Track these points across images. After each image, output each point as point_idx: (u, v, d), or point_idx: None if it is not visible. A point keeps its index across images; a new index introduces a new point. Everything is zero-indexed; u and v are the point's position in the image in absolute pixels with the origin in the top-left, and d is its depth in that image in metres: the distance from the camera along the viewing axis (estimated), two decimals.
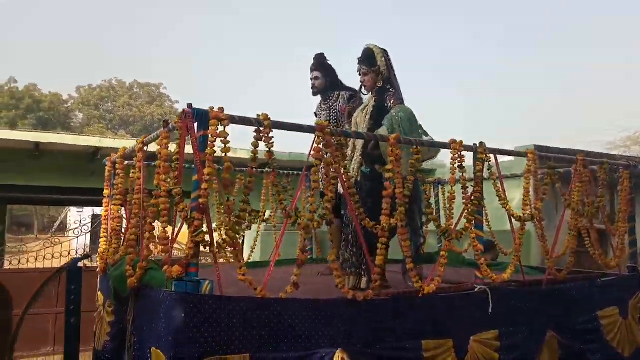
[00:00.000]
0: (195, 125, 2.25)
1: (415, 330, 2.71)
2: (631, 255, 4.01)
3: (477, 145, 3.11)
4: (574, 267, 3.67)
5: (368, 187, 3.28)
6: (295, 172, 5.50)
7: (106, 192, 3.76)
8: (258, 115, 2.38)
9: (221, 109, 2.25)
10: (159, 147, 2.49)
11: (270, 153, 2.36)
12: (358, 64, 3.54)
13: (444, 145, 3.03)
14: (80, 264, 3.43)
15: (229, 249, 2.25)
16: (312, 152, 2.49)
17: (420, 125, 3.45)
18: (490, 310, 3.00)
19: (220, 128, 2.22)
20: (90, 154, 7.44)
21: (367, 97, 3.66)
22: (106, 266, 3.39)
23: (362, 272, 3.24)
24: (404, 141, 2.82)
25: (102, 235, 3.67)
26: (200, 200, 2.14)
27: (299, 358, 2.29)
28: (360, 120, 3.55)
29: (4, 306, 5.99)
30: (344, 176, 2.59)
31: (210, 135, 2.20)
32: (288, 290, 2.39)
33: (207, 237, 2.14)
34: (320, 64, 4.36)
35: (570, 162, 3.69)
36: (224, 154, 2.24)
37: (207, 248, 2.14)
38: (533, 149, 3.50)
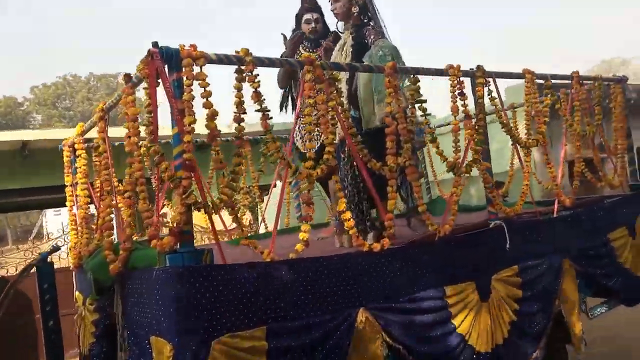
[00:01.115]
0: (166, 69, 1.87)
1: (436, 277, 2.48)
2: (631, 172, 3.90)
3: (475, 69, 2.85)
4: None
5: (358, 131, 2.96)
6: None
7: (67, 179, 3.33)
8: (236, 52, 2.03)
9: (193, 47, 1.88)
10: (124, 106, 2.11)
11: (257, 94, 2.02)
12: None
13: (440, 72, 2.74)
14: (50, 259, 3.01)
15: (227, 210, 1.91)
16: (303, 91, 2.16)
17: (404, 63, 3.13)
18: (507, 246, 2.81)
19: (196, 69, 1.86)
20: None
21: (343, 36, 3.27)
22: (80, 260, 2.99)
23: (367, 228, 2.95)
24: (400, 70, 2.52)
25: (70, 227, 3.26)
26: (185, 156, 1.79)
27: (320, 324, 2.01)
28: (339, 61, 3.17)
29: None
30: (342, 115, 2.28)
31: (185, 78, 1.84)
32: (298, 249, 2.09)
33: (199, 199, 1.81)
34: (316, 2, 3.73)
35: (562, 86, 3.50)
36: (204, 99, 1.88)
37: (201, 211, 1.80)
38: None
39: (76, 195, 3.08)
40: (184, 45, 1.88)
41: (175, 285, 1.74)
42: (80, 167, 2.94)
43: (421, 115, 2.60)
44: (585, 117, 3.53)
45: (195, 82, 1.86)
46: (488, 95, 2.91)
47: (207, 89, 1.88)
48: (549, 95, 3.22)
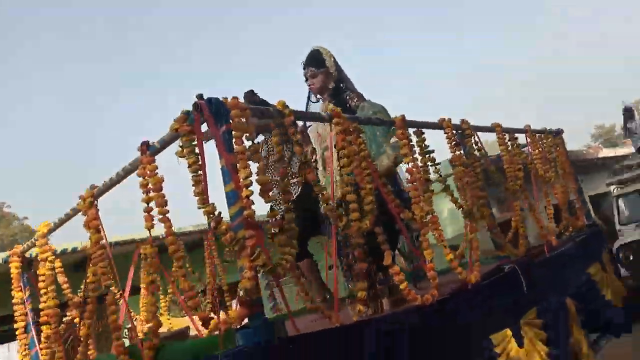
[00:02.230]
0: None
1: (481, 328, 2.37)
2: (586, 213, 4.23)
3: (460, 122, 3.00)
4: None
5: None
6: None
7: (18, 295, 2.82)
8: (273, 106, 1.93)
9: (236, 99, 1.75)
10: (142, 177, 1.86)
11: (299, 146, 1.89)
12: (304, 68, 3.11)
13: (435, 125, 2.84)
14: None
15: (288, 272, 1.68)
16: (335, 142, 2.08)
17: None
18: (525, 289, 2.81)
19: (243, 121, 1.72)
20: None
21: (318, 105, 3.20)
22: None
23: (378, 292, 2.77)
24: (408, 124, 2.55)
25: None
26: (246, 213, 1.58)
27: None
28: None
29: None
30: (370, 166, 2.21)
31: (233, 131, 1.68)
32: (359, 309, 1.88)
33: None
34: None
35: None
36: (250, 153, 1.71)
37: (272, 271, 1.56)
38: None
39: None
40: (227, 98, 1.74)
41: None
42: (46, 274, 2.50)
43: (430, 165, 2.63)
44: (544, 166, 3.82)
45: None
46: (475, 146, 3.05)
47: (255, 142, 1.73)
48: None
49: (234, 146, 1.66)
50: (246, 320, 1.55)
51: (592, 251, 3.87)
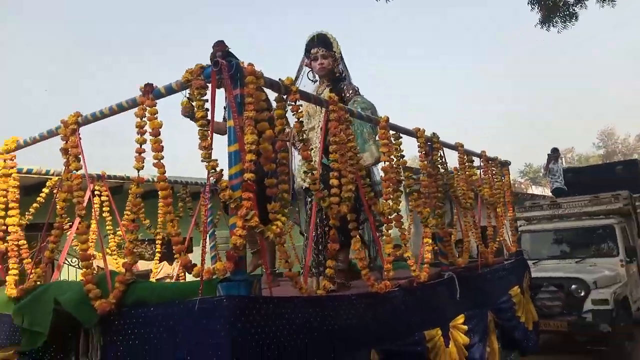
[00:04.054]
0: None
1: (420, 321, 2.59)
2: (517, 240, 4.63)
3: (432, 135, 3.22)
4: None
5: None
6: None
7: None
8: (280, 80, 2.01)
9: (252, 65, 1.82)
10: (140, 118, 1.89)
11: (300, 124, 2.00)
12: (313, 47, 3.12)
13: (411, 133, 3.03)
14: None
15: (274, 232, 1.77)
16: (328, 128, 2.20)
17: None
18: (458, 296, 3.07)
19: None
20: None
21: (314, 86, 3.23)
22: None
23: (321, 273, 2.82)
24: (390, 126, 2.72)
25: None
26: (246, 176, 1.66)
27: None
28: (313, 111, 3.08)
29: None
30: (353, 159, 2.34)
31: (246, 96, 1.75)
32: (325, 285, 2.02)
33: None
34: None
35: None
36: (260, 121, 1.79)
37: (262, 233, 1.66)
38: None
39: None
40: (243, 62, 1.80)
41: (232, 319, 1.53)
42: (11, 189, 2.42)
43: (402, 168, 2.81)
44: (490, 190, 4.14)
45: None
46: (440, 159, 3.28)
47: (265, 112, 1.81)
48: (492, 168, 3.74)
49: (244, 111, 1.74)
50: (228, 273, 1.63)
51: (516, 275, 4.25)
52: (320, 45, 3.10)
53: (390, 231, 2.50)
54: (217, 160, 1.68)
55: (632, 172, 10.28)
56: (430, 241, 2.88)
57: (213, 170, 1.67)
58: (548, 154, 10.03)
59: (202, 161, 1.68)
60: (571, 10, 5.64)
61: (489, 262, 3.76)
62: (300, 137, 2.01)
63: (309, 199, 2.92)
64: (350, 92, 3.11)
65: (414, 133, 3.03)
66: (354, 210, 2.34)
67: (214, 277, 1.63)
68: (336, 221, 2.09)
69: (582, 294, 5.66)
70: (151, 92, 1.91)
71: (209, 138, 1.69)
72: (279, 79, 2.01)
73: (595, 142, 49.45)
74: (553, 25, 5.72)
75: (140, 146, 1.90)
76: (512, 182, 4.75)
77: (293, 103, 1.98)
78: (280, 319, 1.65)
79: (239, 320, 1.54)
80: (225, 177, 1.73)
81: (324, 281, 2.06)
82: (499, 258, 4.22)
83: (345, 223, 2.24)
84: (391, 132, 2.79)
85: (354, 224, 2.25)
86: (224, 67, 1.70)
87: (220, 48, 1.75)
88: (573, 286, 5.72)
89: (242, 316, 1.55)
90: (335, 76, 3.18)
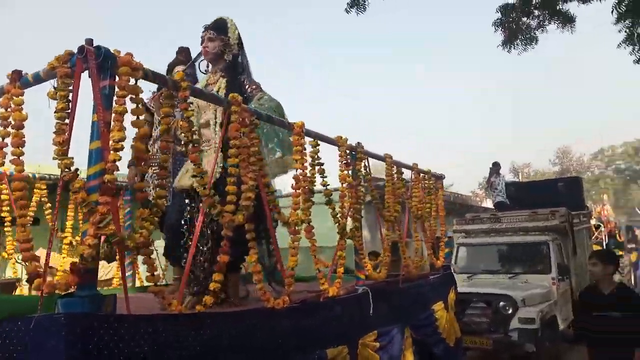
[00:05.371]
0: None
1: (322, 338, 2.46)
2: (446, 255, 4.59)
3: (356, 144, 3.11)
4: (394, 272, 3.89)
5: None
6: None
7: None
8: (171, 76, 1.83)
9: (130, 55, 1.63)
10: (4, 108, 1.67)
11: (189, 123, 1.82)
12: (204, 30, 2.84)
13: (332, 141, 2.91)
14: None
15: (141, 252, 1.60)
16: (229, 130, 2.04)
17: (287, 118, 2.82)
18: (371, 312, 2.97)
19: (132, 81, 1.61)
20: None
21: (209, 77, 2.89)
22: None
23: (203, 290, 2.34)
24: (306, 133, 2.58)
25: None
26: (107, 177, 1.48)
27: None
28: (204, 104, 2.66)
29: None
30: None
31: (117, 88, 1.57)
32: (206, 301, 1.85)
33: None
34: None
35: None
36: (135, 117, 1.61)
37: (120, 243, 1.47)
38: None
39: None
40: (120, 52, 1.62)
41: (70, 339, 1.34)
42: None
43: (320, 177, 2.68)
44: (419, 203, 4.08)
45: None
46: (364, 169, 3.18)
47: (140, 106, 1.63)
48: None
49: (115, 105, 1.56)
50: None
51: (440, 290, 4.21)
52: (211, 28, 2.82)
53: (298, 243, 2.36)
54: (72, 158, 1.49)
55: (574, 189, 10.50)
56: (343, 254, 2.76)
57: (67, 170, 1.48)
58: (490, 168, 10.16)
59: (54, 158, 1.48)
60: (532, 34, 5.77)
61: (411, 277, 3.69)
62: (189, 138, 1.83)
63: (190, 203, 2.59)
64: (253, 87, 2.82)
65: (334, 141, 2.91)
66: (254, 219, 2.18)
67: (56, 291, 1.43)
68: (229, 231, 1.93)
69: (510, 311, 5.67)
70: (18, 80, 1.69)
71: (66, 133, 1.49)
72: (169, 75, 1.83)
73: (551, 159, 51.26)
74: (514, 47, 5.84)
75: (3, 140, 1.68)
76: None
77: (183, 101, 1.81)
78: (136, 340, 1.48)
79: (80, 340, 1.36)
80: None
81: (206, 297, 1.89)
82: (424, 272, 4.17)
83: (238, 234, 2.07)
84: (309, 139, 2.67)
85: (252, 235, 2.10)
86: (90, 54, 1.51)
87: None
88: (501, 303, 5.73)
89: (83, 336, 1.36)
90: (228, 64, 2.83)
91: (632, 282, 11.58)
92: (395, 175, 3.56)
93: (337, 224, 2.72)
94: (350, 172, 2.94)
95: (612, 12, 4.94)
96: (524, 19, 5.75)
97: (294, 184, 2.42)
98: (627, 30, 5.10)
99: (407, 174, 4.09)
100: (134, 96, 1.61)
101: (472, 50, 73.84)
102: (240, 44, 2.86)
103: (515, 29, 5.81)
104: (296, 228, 2.33)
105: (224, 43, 2.81)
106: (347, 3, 5.20)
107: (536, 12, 5.70)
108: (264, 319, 2.09)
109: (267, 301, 2.09)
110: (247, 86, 2.83)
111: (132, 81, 1.61)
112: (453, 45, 77.07)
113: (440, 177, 4.67)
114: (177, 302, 1.72)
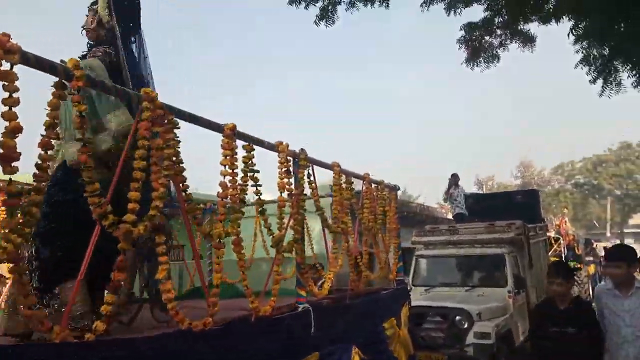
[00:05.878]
0: None
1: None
2: (399, 269, 4.42)
3: (299, 151, 2.91)
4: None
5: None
6: None
7: None
8: (62, 61, 1.58)
9: (6, 36, 1.38)
10: None
11: (82, 118, 1.57)
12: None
13: (271, 147, 2.70)
14: None
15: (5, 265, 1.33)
16: (139, 129, 1.79)
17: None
18: (312, 331, 2.75)
19: (5, 65, 1.36)
20: None
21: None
22: None
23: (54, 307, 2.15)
24: (239, 135, 2.36)
25: None
26: None
27: None
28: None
29: None
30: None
31: None
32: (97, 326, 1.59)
33: None
34: None
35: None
36: (7, 108, 1.36)
37: None
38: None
39: None
40: None
41: None
42: None
43: (252, 185, 2.46)
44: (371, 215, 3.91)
45: None
46: (308, 178, 2.98)
47: (15, 95, 1.38)
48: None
49: None
50: None
51: (392, 306, 4.02)
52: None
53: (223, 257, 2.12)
54: None
55: (531, 202, 10.62)
56: (279, 269, 2.53)
57: None
58: (449, 179, 10.16)
59: None
60: (494, 52, 5.86)
61: (360, 292, 3.49)
62: (81, 136, 1.58)
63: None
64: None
65: (274, 146, 2.70)
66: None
67: None
68: (127, 244, 1.67)
69: (466, 325, 5.55)
70: None
71: None
72: (61, 60, 1.59)
73: (513, 172, 52.47)
74: (477, 65, 5.93)
75: None
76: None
77: (75, 92, 1.56)
78: None
79: None
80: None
81: (96, 322, 1.62)
82: (375, 287, 3.98)
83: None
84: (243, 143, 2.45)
85: (162, 248, 1.85)
86: None
87: None
88: (457, 317, 5.60)
89: None
90: (105, 44, 2.53)
91: (590, 294, 11.76)
92: (343, 185, 3.38)
93: (272, 237, 2.49)
94: (292, 180, 2.73)
95: (568, 35, 5.00)
96: (487, 37, 5.84)
97: (220, 192, 2.19)
98: (584, 52, 5.17)
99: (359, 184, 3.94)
100: (6, 83, 1.35)
101: (440, 67, 75.41)
102: (114, 20, 2.59)
103: (478, 47, 5.88)
104: (220, 241, 2.09)
105: (93, 16, 2.59)
106: (316, 15, 5.06)
107: (498, 32, 5.79)
108: (178, 342, 1.84)
109: (181, 322, 1.84)
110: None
111: (6, 65, 1.36)
112: (421, 60, 78.52)
113: (394, 188, 4.52)
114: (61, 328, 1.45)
